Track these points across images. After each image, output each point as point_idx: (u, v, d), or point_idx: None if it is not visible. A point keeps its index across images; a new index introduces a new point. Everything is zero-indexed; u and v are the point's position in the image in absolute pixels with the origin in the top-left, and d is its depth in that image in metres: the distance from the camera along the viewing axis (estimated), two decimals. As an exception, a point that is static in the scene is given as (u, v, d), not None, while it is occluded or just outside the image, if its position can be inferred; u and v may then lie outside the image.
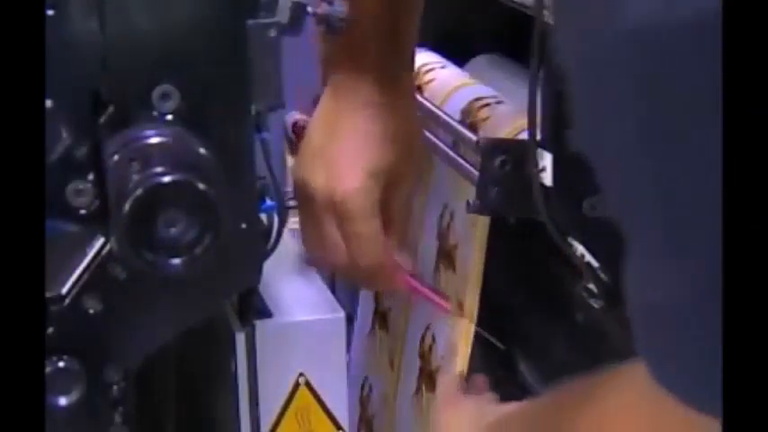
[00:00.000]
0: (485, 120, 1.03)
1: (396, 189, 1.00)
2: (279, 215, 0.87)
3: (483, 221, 0.99)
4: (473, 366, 1.00)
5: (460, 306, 1.02)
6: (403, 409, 1.14)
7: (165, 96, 0.76)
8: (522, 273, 1.06)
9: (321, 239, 0.99)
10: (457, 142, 1.03)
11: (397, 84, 1.01)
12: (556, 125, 0.84)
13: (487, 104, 1.05)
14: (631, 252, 0.55)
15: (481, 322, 1.01)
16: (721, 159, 0.49)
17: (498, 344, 1.02)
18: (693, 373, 0.54)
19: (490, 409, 0.88)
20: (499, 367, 1.00)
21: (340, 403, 0.94)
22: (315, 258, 1.01)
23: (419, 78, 1.15)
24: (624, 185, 0.54)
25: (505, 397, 0.92)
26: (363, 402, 1.22)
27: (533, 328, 1.05)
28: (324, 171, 0.98)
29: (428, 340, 1.09)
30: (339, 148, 0.98)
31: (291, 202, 1.00)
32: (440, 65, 1.17)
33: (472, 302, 1.01)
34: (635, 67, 0.51)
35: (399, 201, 1.01)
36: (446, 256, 1.06)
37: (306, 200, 0.99)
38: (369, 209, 0.97)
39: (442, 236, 1.07)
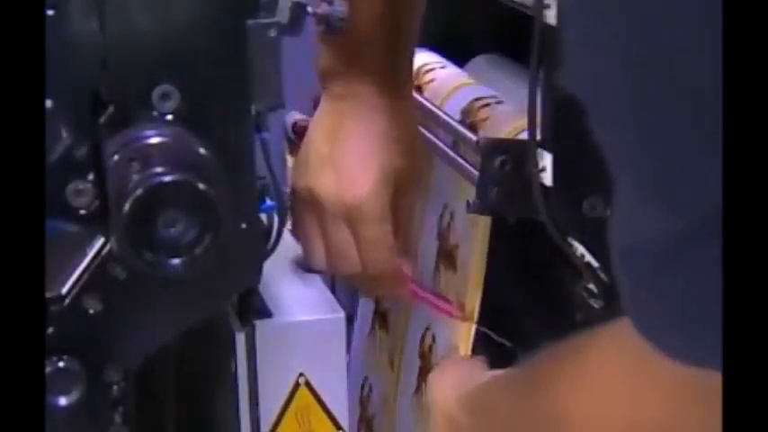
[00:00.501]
0: (485, 120, 1.03)
1: (401, 193, 1.00)
2: (279, 215, 0.87)
3: (484, 221, 0.99)
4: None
5: (462, 307, 1.02)
6: (403, 409, 1.14)
7: (165, 96, 0.76)
8: (521, 273, 1.06)
9: (328, 246, 0.99)
10: (457, 142, 1.04)
11: (399, 86, 1.01)
12: (556, 125, 0.84)
13: (487, 104, 1.05)
14: (618, 196, 0.56)
15: (481, 322, 1.01)
16: (717, 106, 0.49)
17: (504, 341, 1.02)
18: (676, 322, 0.54)
19: (479, 373, 0.89)
20: (499, 367, 1.00)
21: (340, 403, 0.94)
22: (318, 265, 1.01)
23: (419, 78, 1.15)
24: (615, 127, 0.55)
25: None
26: (363, 402, 1.22)
27: (533, 328, 1.05)
28: (333, 177, 0.98)
29: (428, 340, 1.09)
30: (347, 153, 0.98)
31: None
32: (440, 65, 1.18)
33: (474, 303, 1.01)
34: (631, 7, 0.51)
35: (404, 205, 1.01)
36: (446, 256, 1.06)
37: (311, 207, 0.99)
38: (381, 212, 0.97)
39: (443, 236, 1.07)
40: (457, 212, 1.05)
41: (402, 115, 1.00)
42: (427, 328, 1.09)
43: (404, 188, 1.00)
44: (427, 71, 1.16)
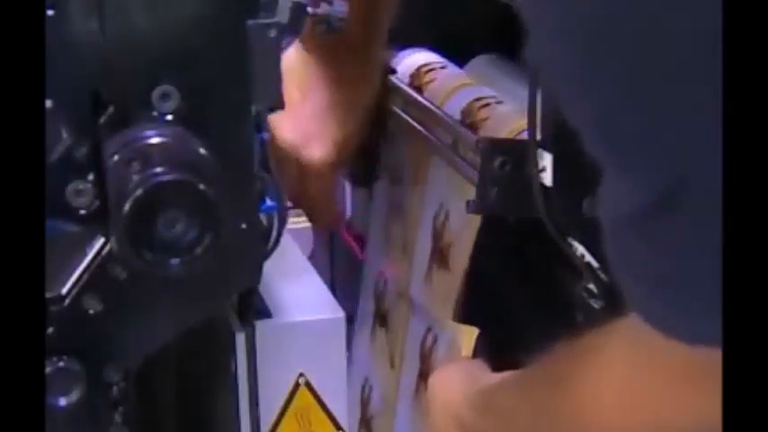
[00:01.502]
0: (485, 120, 1.03)
1: (338, 154, 1.13)
2: (279, 215, 0.87)
3: (478, 220, 0.99)
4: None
5: (450, 304, 1.02)
6: (403, 410, 1.14)
7: (165, 96, 0.76)
8: (521, 273, 1.06)
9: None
10: (456, 142, 1.03)
11: (368, 59, 1.11)
12: (556, 125, 0.84)
13: (487, 104, 1.05)
14: (605, 171, 0.57)
15: (481, 323, 1.01)
16: (692, 77, 0.50)
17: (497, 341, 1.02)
18: (676, 302, 0.54)
19: (484, 374, 0.89)
20: (499, 368, 1.00)
21: (340, 403, 0.94)
22: None
23: (419, 78, 1.15)
24: (593, 99, 0.56)
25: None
26: (364, 403, 1.22)
27: (533, 328, 1.05)
28: (294, 130, 1.08)
29: (429, 341, 1.09)
30: (310, 113, 1.10)
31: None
32: (440, 65, 1.17)
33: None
34: None
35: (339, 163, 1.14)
36: (440, 254, 1.06)
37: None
38: (326, 170, 1.12)
39: (437, 234, 1.07)
40: (452, 212, 1.05)
41: (363, 90, 1.11)
42: (429, 329, 1.09)
43: (343, 151, 1.13)
44: (427, 71, 1.16)
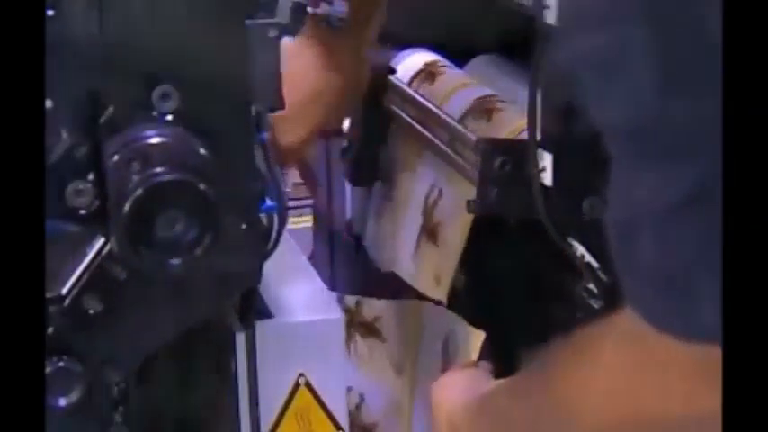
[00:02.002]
0: (500, 110, 1.02)
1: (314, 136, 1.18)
2: (279, 215, 0.87)
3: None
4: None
5: (438, 280, 1.02)
6: (423, 413, 1.14)
7: (165, 96, 0.76)
8: (521, 272, 1.06)
9: None
10: (453, 140, 1.03)
11: (359, 42, 1.09)
12: (556, 125, 0.84)
13: (501, 101, 1.05)
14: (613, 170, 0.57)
15: (481, 323, 1.01)
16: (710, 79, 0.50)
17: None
18: (665, 293, 0.55)
19: (486, 380, 0.89)
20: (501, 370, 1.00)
21: (340, 403, 0.94)
22: None
23: (433, 67, 1.15)
24: (609, 102, 0.56)
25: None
26: (351, 411, 1.22)
27: (532, 329, 1.05)
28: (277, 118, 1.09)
29: (451, 345, 1.10)
30: (291, 104, 1.09)
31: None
32: (448, 66, 1.18)
33: (448, 279, 1.02)
34: None
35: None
36: (429, 231, 1.06)
37: None
38: (291, 155, 1.15)
39: (427, 213, 1.07)
40: (445, 192, 1.05)
41: (351, 75, 1.11)
42: (448, 336, 1.10)
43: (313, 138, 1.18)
44: (441, 66, 1.16)
